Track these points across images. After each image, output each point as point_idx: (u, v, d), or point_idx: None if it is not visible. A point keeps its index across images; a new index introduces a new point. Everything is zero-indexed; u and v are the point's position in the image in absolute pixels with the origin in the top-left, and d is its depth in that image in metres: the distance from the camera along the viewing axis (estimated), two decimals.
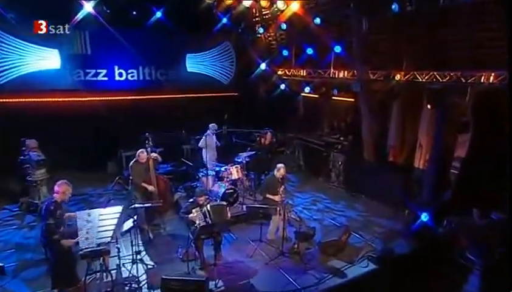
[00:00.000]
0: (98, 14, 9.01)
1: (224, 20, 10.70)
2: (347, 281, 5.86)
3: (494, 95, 6.56)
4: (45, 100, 9.72)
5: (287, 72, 11.86)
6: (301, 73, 11.21)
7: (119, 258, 5.48)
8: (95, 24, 9.25)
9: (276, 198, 6.80)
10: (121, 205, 5.56)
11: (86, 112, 9.75)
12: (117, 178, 8.39)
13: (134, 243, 5.80)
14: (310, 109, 12.21)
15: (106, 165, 10.46)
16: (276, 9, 9.97)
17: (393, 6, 7.34)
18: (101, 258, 5.19)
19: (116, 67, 10.82)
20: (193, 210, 6.01)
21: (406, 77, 8.13)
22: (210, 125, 8.74)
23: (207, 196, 6.54)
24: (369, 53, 8.84)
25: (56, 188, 5.13)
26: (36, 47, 9.60)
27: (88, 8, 8.77)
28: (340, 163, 9.92)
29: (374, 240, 7.02)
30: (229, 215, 6.47)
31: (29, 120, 8.67)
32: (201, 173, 8.58)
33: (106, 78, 10.73)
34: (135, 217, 5.78)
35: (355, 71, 9.20)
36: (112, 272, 5.37)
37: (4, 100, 9.37)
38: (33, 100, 9.54)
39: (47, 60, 9.79)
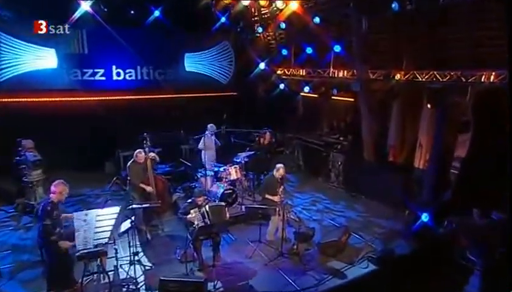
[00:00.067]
0: (96, 13, 8.96)
1: (223, 19, 10.65)
2: (347, 283, 5.83)
3: (495, 94, 6.52)
4: (42, 99, 9.67)
5: (287, 72, 11.82)
6: (301, 73, 11.17)
7: (116, 260, 5.46)
8: (92, 22, 9.21)
9: (276, 198, 6.76)
10: (119, 205, 5.56)
11: (83, 112, 9.70)
12: (114, 178, 8.34)
13: (131, 244, 5.77)
14: (309, 108, 12.18)
15: (104, 165, 10.41)
16: (275, 8, 9.93)
17: (393, 5, 7.30)
18: (99, 260, 5.16)
19: (114, 67, 10.76)
20: (192, 211, 5.98)
21: (406, 76, 8.10)
22: (208, 126, 8.68)
23: (205, 197, 6.51)
24: (369, 52, 8.80)
25: (52, 188, 5.09)
26: (33, 46, 9.53)
27: (85, 6, 8.71)
28: (339, 163, 9.89)
29: (374, 241, 7.00)
30: (228, 215, 6.45)
31: (25, 120, 8.63)
32: (200, 174, 8.54)
33: (103, 78, 10.67)
34: (133, 218, 5.73)
35: (355, 70, 9.16)
36: (110, 273, 5.32)
37: (0, 100, 9.29)
38: (29, 99, 9.50)
39: (43, 59, 9.72)
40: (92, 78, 10.51)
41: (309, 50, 10.62)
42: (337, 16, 9.15)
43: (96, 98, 10.24)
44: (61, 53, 9.84)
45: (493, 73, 6.57)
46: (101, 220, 5.05)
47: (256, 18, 11.33)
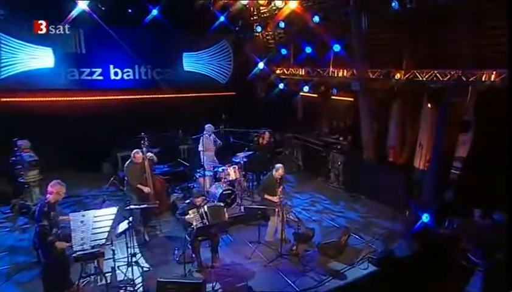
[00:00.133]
0: (93, 12, 8.90)
1: (221, 18, 10.60)
2: (347, 284, 5.80)
3: (495, 94, 6.49)
4: (39, 99, 9.61)
5: (286, 71, 11.80)
6: (300, 72, 11.15)
7: (114, 261, 5.43)
8: (89, 22, 9.14)
9: (275, 198, 6.72)
10: (116, 206, 5.52)
11: (80, 112, 9.69)
12: (111, 178, 8.27)
13: (129, 245, 5.72)
14: (309, 108, 12.16)
15: (101, 165, 10.36)
16: (274, 7, 9.89)
17: (393, 4, 7.26)
18: (96, 261, 5.09)
19: (111, 66, 10.72)
20: (190, 211, 5.94)
21: (406, 76, 8.07)
22: (206, 126, 8.60)
23: (204, 197, 6.46)
24: (368, 51, 8.76)
25: (49, 188, 5.02)
26: (29, 46, 9.48)
27: (82, 5, 8.65)
28: (339, 163, 9.85)
29: (374, 241, 6.97)
30: (227, 216, 6.41)
31: (21, 119, 8.57)
32: (198, 174, 8.48)
33: (101, 77, 10.63)
34: (130, 218, 5.69)
35: (354, 70, 9.13)
36: (107, 275, 5.28)
37: None
38: (26, 99, 9.44)
39: (40, 59, 9.67)
40: (90, 78, 10.46)
41: (308, 50, 10.61)
42: (337, 14, 9.09)
43: (94, 98, 10.20)
44: (58, 53, 9.79)
45: (494, 73, 6.54)
46: (99, 221, 4.99)
47: (255, 17, 11.31)
